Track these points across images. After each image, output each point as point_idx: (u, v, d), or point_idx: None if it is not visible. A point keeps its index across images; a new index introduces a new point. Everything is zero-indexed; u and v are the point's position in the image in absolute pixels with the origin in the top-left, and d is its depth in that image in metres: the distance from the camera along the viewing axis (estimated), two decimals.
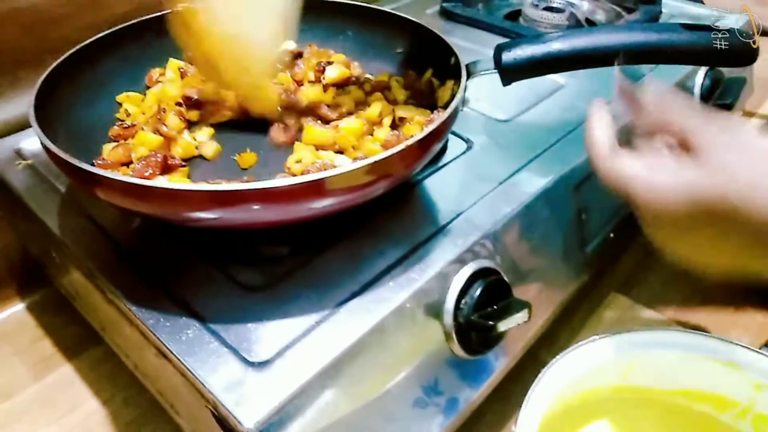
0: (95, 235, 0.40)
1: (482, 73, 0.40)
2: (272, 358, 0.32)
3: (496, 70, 0.38)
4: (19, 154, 0.48)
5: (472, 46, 0.65)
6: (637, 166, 0.33)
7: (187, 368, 0.31)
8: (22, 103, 0.50)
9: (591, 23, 0.68)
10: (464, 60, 0.42)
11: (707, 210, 0.30)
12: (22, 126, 0.50)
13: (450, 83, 0.43)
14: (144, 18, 0.48)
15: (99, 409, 0.47)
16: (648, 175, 0.32)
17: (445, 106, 0.37)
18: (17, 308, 0.55)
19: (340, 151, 0.43)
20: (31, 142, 0.48)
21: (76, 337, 0.52)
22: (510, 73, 0.38)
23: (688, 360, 0.40)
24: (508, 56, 0.38)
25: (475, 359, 0.41)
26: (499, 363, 0.43)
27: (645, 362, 0.41)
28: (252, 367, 0.31)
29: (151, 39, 0.49)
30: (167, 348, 0.32)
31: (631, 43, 0.37)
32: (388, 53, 0.50)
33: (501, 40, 0.64)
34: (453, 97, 0.38)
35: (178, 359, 0.32)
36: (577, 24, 0.65)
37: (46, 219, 0.42)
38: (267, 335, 0.33)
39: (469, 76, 0.40)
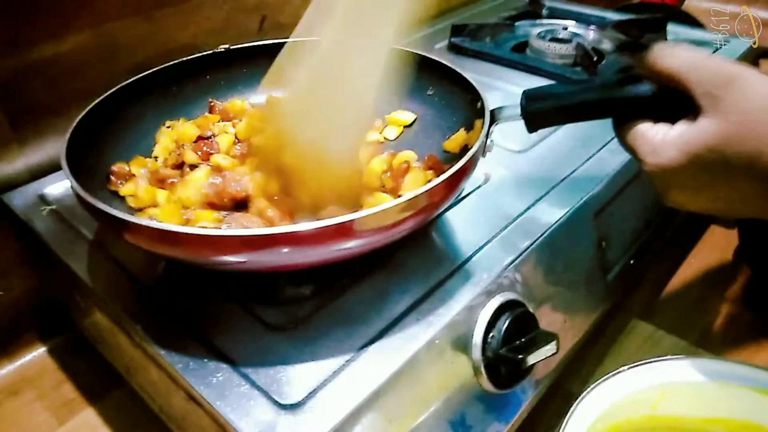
0: (121, 279, 0.40)
1: (507, 119, 0.40)
2: (303, 400, 0.31)
3: (521, 117, 0.38)
4: (43, 199, 0.48)
5: (480, 78, 0.65)
6: (643, 126, 0.34)
7: (219, 412, 0.31)
8: (46, 150, 0.51)
9: (598, 53, 0.69)
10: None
11: (718, 161, 0.30)
12: (45, 172, 0.51)
13: (479, 123, 0.43)
14: (169, 64, 0.49)
15: None
16: (648, 131, 0.33)
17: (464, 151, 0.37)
18: (39, 352, 0.55)
19: None
20: (55, 187, 0.49)
21: (98, 381, 0.52)
22: (536, 121, 0.38)
23: (721, 388, 0.40)
24: (534, 103, 0.37)
25: (502, 393, 0.40)
26: (526, 396, 0.43)
27: (676, 391, 0.40)
28: (284, 409, 0.31)
29: (174, 84, 0.50)
30: (197, 392, 0.32)
31: None
32: (421, 94, 0.51)
33: (508, 71, 0.67)
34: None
35: (209, 403, 0.31)
36: (584, 54, 0.66)
37: (72, 264, 0.42)
38: (297, 376, 0.33)
39: (493, 121, 0.40)
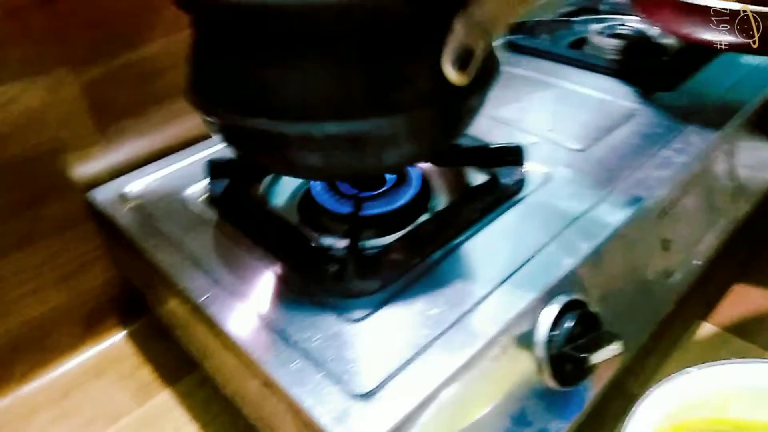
0: (199, 271, 0.43)
1: None
2: (375, 390, 0.33)
3: None
4: (124, 196, 0.52)
5: (537, 76, 0.66)
6: None
7: (295, 399, 0.33)
8: (126, 150, 0.55)
9: (660, 47, 0.67)
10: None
11: None
12: (125, 171, 0.54)
13: None
14: None
15: None
16: None
17: None
18: (119, 336, 0.59)
19: None
20: (135, 185, 0.53)
21: (173, 365, 0.55)
22: None
23: None
24: None
25: (564, 391, 0.41)
26: (587, 395, 0.43)
27: (745, 394, 0.40)
28: (357, 398, 0.33)
29: None
30: (274, 379, 0.34)
31: None
32: None
33: (566, 69, 0.66)
34: None
35: (286, 391, 0.34)
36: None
37: (152, 256, 0.45)
38: (368, 366, 0.34)
39: None
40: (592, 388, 0.44)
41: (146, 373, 0.55)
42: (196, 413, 0.51)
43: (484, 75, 0.37)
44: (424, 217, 0.47)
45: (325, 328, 0.37)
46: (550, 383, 0.39)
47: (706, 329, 0.56)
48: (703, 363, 0.41)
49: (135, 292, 0.58)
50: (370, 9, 0.32)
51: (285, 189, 0.52)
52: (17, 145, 0.47)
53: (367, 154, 0.36)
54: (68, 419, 0.52)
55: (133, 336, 0.59)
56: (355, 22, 0.32)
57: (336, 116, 0.33)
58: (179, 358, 0.55)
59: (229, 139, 0.39)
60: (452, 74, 0.34)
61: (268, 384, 0.36)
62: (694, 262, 0.52)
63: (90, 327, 0.57)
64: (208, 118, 0.38)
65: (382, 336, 0.36)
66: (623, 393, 0.49)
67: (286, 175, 0.48)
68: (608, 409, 0.47)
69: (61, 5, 0.46)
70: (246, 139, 0.37)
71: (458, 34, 0.33)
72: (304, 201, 0.49)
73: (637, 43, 0.68)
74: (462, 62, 0.33)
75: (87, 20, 0.47)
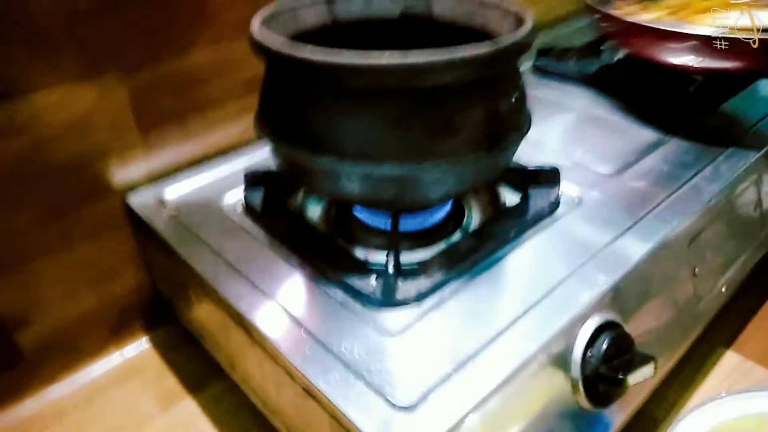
0: (239, 278, 0.43)
1: None
2: (416, 403, 0.33)
3: None
4: (161, 201, 0.53)
5: (565, 100, 0.67)
6: None
7: (339, 408, 0.33)
8: (167, 155, 0.56)
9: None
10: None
11: None
12: (164, 175, 0.55)
13: None
14: None
15: None
16: None
17: None
18: (143, 343, 0.59)
19: None
20: (173, 190, 0.54)
21: (197, 373, 0.56)
22: None
23: None
24: None
25: (592, 414, 0.41)
26: (616, 419, 0.44)
27: None
28: (398, 410, 0.33)
29: None
30: (318, 388, 0.35)
31: None
32: None
33: (595, 94, 0.67)
34: None
35: (328, 399, 0.34)
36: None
37: (191, 261, 0.46)
38: (408, 379, 0.35)
39: None
40: (621, 412, 0.44)
41: (170, 381, 0.55)
42: (222, 422, 0.51)
43: (521, 127, 0.42)
44: (457, 234, 0.47)
45: (364, 340, 0.37)
46: (584, 403, 0.39)
47: (730, 358, 0.56)
48: (729, 390, 0.41)
49: (157, 300, 0.59)
50: (430, 74, 0.35)
51: (318, 201, 0.52)
52: (66, 147, 0.48)
53: (417, 191, 0.40)
54: (94, 423, 0.52)
55: (157, 343, 0.59)
56: (416, 84, 0.36)
57: (394, 159, 0.37)
58: (203, 366, 0.55)
59: (289, 168, 0.43)
60: None
61: (310, 392, 0.36)
62: (723, 289, 0.52)
63: (117, 331, 0.58)
64: (273, 148, 0.42)
65: (420, 350, 0.37)
66: (647, 418, 0.49)
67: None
68: None
69: (116, 14, 0.47)
70: (306, 172, 0.41)
71: None
72: (339, 214, 0.50)
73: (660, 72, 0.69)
74: None
75: (139, 27, 0.49)
